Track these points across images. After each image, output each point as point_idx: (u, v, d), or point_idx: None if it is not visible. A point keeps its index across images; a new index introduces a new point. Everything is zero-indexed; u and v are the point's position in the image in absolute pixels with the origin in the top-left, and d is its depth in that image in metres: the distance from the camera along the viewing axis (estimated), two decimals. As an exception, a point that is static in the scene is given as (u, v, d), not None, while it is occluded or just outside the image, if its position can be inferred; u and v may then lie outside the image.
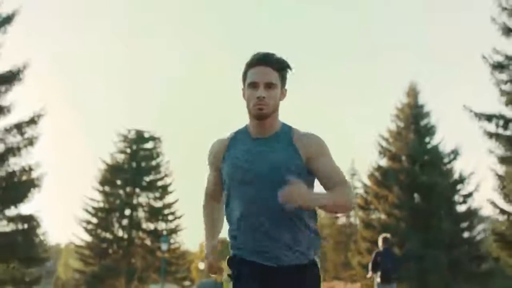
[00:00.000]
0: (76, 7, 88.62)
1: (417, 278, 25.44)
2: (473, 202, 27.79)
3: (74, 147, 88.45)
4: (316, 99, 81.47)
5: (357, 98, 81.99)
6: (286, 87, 2.52)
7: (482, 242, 27.70)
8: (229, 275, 2.58)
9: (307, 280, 2.45)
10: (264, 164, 2.42)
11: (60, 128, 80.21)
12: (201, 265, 53.63)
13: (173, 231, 34.80)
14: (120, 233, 34.15)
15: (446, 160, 29.10)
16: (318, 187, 2.53)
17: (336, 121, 78.14)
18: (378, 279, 10.68)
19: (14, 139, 21.05)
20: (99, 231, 33.80)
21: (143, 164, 35.24)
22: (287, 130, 2.51)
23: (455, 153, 28.97)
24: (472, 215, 27.81)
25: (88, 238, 33.72)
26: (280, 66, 2.46)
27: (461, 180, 28.39)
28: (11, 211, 20.96)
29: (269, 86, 2.41)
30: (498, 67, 21.48)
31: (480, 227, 27.89)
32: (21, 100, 23.35)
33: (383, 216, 29.27)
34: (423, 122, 29.71)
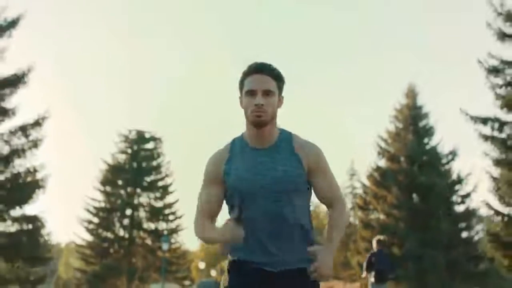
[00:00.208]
0: (76, 7, 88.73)
1: (416, 278, 25.58)
2: (471, 203, 27.97)
3: (75, 148, 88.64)
4: (316, 99, 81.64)
5: (357, 98, 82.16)
6: (283, 94, 2.52)
7: (480, 242, 27.84)
8: (223, 269, 2.60)
9: (308, 283, 2.45)
10: (268, 175, 2.41)
11: (61, 129, 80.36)
12: (201, 265, 53.97)
13: (174, 231, 34.95)
14: (121, 232, 34.30)
15: (444, 161, 29.21)
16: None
17: (336, 122, 78.36)
18: (372, 279, 11.09)
19: (19, 141, 21.25)
20: (100, 230, 33.94)
21: (144, 164, 35.37)
22: (287, 138, 2.50)
23: (453, 154, 29.08)
24: (470, 215, 27.92)
25: (89, 237, 33.88)
26: (277, 75, 2.45)
27: (459, 180, 28.47)
28: (16, 212, 21.23)
29: (267, 93, 2.40)
30: (493, 71, 21.65)
31: (478, 227, 28.01)
32: (24, 102, 23.50)
33: (382, 216, 29.41)
34: (422, 123, 29.84)
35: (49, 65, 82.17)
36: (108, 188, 34.64)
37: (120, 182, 34.86)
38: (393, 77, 77.54)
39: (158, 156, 36.09)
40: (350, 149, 72.48)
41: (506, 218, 21.08)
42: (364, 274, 11.35)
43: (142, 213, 34.95)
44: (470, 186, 28.14)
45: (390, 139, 30.29)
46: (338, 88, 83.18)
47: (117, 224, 34.38)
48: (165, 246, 28.80)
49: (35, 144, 21.33)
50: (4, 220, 20.91)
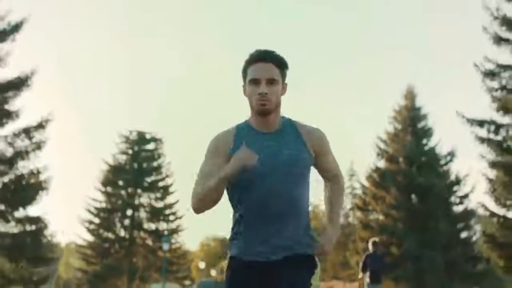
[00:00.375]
0: (77, 8, 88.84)
1: (414, 278, 25.77)
2: (470, 203, 28.15)
3: (76, 148, 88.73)
4: (315, 99, 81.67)
5: (357, 98, 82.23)
6: (286, 82, 2.52)
7: (477, 243, 28.00)
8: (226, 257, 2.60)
9: (309, 269, 2.47)
10: (277, 158, 2.42)
11: (61, 130, 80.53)
12: (201, 265, 54.12)
13: (174, 231, 35.13)
14: (122, 233, 34.46)
15: (442, 162, 29.43)
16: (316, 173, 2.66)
17: (335, 122, 78.27)
18: (367, 279, 11.48)
19: (22, 143, 21.43)
20: (101, 231, 34.11)
21: (144, 165, 35.51)
22: (291, 123, 2.54)
23: (451, 155, 29.31)
24: (468, 216, 28.12)
25: (90, 238, 34.03)
26: (281, 62, 2.46)
27: (457, 181, 28.69)
28: (20, 213, 21.41)
29: (271, 82, 2.41)
30: (490, 74, 21.85)
31: (476, 227, 28.16)
32: (28, 105, 23.65)
33: (381, 217, 29.61)
34: (420, 125, 30.04)
35: (52, 67, 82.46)
36: (109, 189, 34.77)
37: (121, 183, 34.99)
38: (393, 77, 77.64)
39: (159, 156, 36.23)
40: (349, 150, 72.46)
41: (501, 219, 21.31)
42: (360, 275, 11.78)
43: (142, 214, 35.08)
44: (468, 187, 28.41)
45: (389, 140, 30.47)
46: (338, 88, 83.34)
47: (118, 225, 34.54)
48: (165, 246, 28.92)
49: (38, 146, 21.51)
50: (8, 221, 21.10)
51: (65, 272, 56.03)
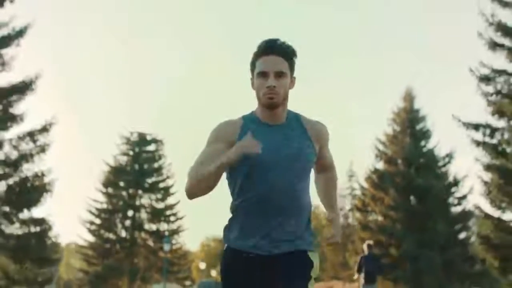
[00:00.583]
0: (78, 12, 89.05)
1: (412, 279, 25.98)
2: (467, 204, 28.33)
3: (76, 149, 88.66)
4: (315, 99, 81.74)
5: (357, 98, 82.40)
6: (295, 76, 2.51)
7: (475, 243, 28.32)
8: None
9: (311, 264, 2.46)
10: (282, 151, 2.42)
11: (62, 131, 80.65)
12: (202, 265, 54.40)
13: (175, 232, 35.18)
14: (123, 233, 34.50)
15: (441, 163, 29.60)
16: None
17: (334, 123, 78.28)
18: (362, 280, 12.07)
19: (27, 146, 21.63)
20: (102, 231, 34.16)
21: (145, 166, 35.54)
22: (296, 117, 2.54)
23: (449, 157, 29.50)
24: (466, 217, 28.30)
25: (91, 238, 34.12)
26: (289, 55, 2.44)
27: (456, 182, 28.90)
28: (24, 215, 21.61)
29: (279, 75, 2.39)
30: (485, 79, 22.11)
31: (474, 228, 28.40)
32: (32, 108, 23.93)
33: (379, 218, 29.82)
34: (419, 126, 30.24)
35: (55, 71, 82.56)
36: (110, 190, 34.78)
37: (122, 184, 35.00)
38: (392, 78, 77.70)
39: (160, 158, 36.28)
40: (349, 151, 72.61)
41: (496, 221, 21.64)
42: (356, 276, 12.49)
43: (143, 214, 35.10)
44: (466, 188, 28.61)
45: (387, 141, 30.64)
46: (338, 88, 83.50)
47: (119, 225, 34.57)
48: (166, 247, 28.89)
49: (42, 149, 21.71)
50: (13, 222, 21.31)
51: (66, 272, 56.17)
